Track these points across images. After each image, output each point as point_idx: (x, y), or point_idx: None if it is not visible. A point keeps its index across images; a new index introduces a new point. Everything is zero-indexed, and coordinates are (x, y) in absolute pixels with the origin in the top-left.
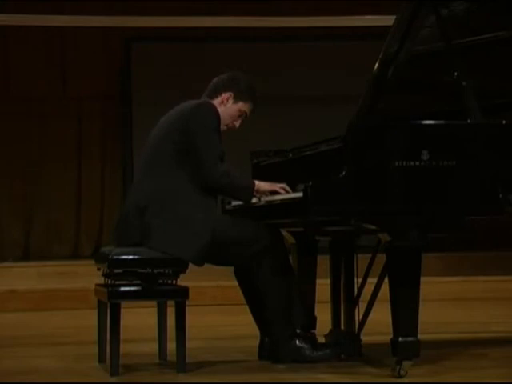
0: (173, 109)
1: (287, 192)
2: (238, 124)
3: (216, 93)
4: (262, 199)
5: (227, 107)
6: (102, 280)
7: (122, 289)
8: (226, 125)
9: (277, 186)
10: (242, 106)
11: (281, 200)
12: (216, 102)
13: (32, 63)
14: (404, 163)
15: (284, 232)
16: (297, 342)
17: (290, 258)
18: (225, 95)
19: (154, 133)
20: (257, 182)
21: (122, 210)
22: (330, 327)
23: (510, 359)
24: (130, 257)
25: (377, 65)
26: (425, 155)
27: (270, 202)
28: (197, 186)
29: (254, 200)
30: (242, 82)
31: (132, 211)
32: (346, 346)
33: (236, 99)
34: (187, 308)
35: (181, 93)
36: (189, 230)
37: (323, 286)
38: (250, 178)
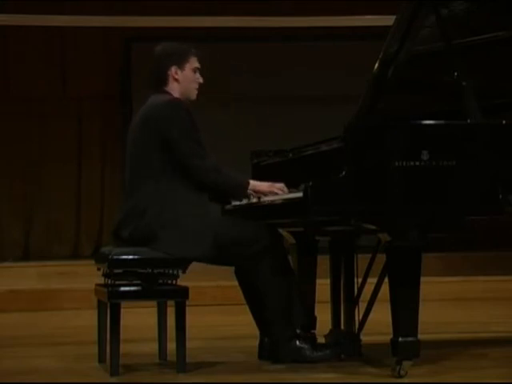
0: (141, 110)
1: (285, 193)
2: (200, 79)
3: (164, 78)
4: (262, 199)
5: (181, 78)
6: (102, 280)
7: (122, 289)
8: (195, 88)
9: (275, 188)
10: (189, 66)
11: (281, 200)
12: (170, 83)
13: (32, 63)
14: (404, 163)
15: (284, 232)
16: (297, 342)
17: (290, 258)
18: (171, 73)
19: (131, 136)
20: (252, 182)
21: (119, 213)
22: (330, 327)
23: (510, 359)
24: (130, 257)
25: (377, 65)
26: (425, 155)
27: (270, 202)
28: (191, 185)
29: (254, 200)
30: (169, 50)
31: (131, 214)
32: (345, 345)
33: (180, 66)
34: (187, 308)
35: None
36: (194, 229)
37: (323, 286)
38: (249, 177)
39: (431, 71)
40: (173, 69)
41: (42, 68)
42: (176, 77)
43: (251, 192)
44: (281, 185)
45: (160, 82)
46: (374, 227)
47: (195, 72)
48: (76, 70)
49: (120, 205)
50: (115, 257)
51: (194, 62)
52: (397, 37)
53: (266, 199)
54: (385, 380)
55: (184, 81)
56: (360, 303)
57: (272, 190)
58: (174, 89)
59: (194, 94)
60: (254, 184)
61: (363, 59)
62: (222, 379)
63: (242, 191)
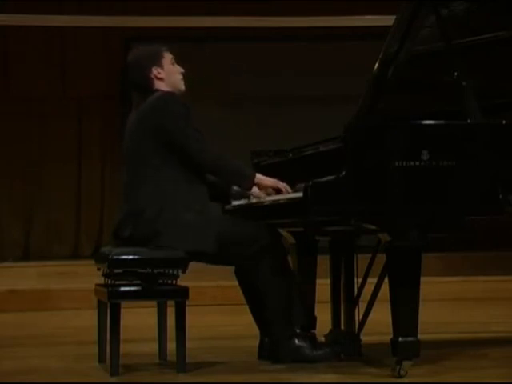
0: (136, 110)
1: (288, 192)
2: (180, 68)
3: (148, 82)
4: (263, 199)
5: (165, 75)
6: (102, 280)
7: (122, 289)
8: (180, 79)
9: (280, 184)
10: (166, 60)
11: (281, 200)
12: (156, 84)
13: (32, 63)
14: (404, 163)
15: (284, 232)
16: (296, 341)
17: (290, 258)
18: (153, 75)
19: (128, 136)
20: (258, 175)
21: (119, 213)
22: (330, 327)
23: (510, 359)
24: (130, 257)
25: (377, 65)
26: (425, 155)
27: (270, 202)
28: (191, 184)
29: (255, 200)
30: (142, 55)
31: (131, 214)
32: (345, 346)
33: (159, 65)
34: (187, 308)
35: None
36: (195, 226)
37: (323, 286)
38: None
39: (431, 71)
40: (153, 70)
41: (42, 68)
42: (159, 76)
43: (255, 186)
44: (285, 184)
45: (146, 87)
46: (374, 227)
47: (174, 64)
48: (76, 70)
49: (120, 205)
50: (115, 257)
51: (168, 56)
52: (397, 37)
53: (268, 199)
54: (385, 380)
55: (168, 76)
56: (360, 303)
57: (276, 186)
58: (162, 87)
59: (181, 85)
60: (260, 177)
61: (363, 59)
62: (221, 379)
63: (248, 181)
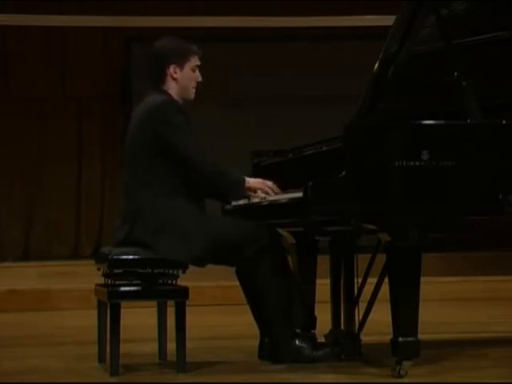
0: (137, 110)
1: (275, 192)
2: (199, 77)
3: (161, 77)
4: (263, 199)
5: (180, 77)
6: (102, 280)
7: (122, 289)
8: (193, 87)
9: (265, 185)
10: (189, 65)
11: (281, 200)
12: (168, 82)
13: (32, 63)
14: (404, 163)
15: (284, 232)
16: (296, 341)
17: (290, 258)
18: (169, 71)
19: (129, 139)
20: (247, 179)
21: (119, 216)
22: (330, 327)
23: (510, 359)
24: (130, 257)
25: (377, 65)
26: (425, 155)
27: (270, 202)
28: (190, 187)
29: (256, 200)
30: (169, 48)
31: (128, 217)
32: (346, 346)
33: (180, 66)
34: (187, 308)
35: None
36: (193, 229)
37: (323, 286)
38: (248, 176)
39: (431, 71)
40: (171, 68)
41: (42, 68)
42: (174, 76)
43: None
44: (270, 183)
45: (158, 80)
46: (374, 227)
47: (194, 71)
48: (76, 70)
49: (120, 207)
50: (115, 257)
51: (194, 61)
52: (397, 37)
53: (268, 198)
54: (385, 380)
55: (182, 80)
56: (360, 303)
57: (262, 188)
58: (172, 88)
59: (191, 94)
60: (248, 180)
61: (363, 59)
62: (222, 379)
63: (240, 189)
